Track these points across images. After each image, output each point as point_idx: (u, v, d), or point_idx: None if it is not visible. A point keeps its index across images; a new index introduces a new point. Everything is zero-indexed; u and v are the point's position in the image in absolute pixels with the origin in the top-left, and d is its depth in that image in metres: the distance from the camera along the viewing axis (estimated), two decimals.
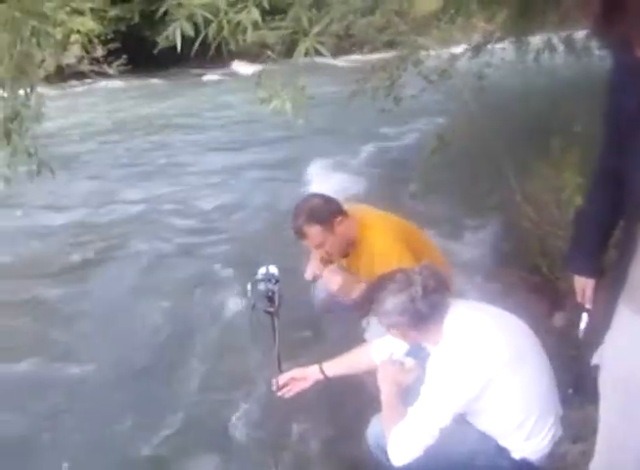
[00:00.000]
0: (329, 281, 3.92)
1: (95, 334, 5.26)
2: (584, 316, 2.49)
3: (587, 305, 2.44)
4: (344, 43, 18.36)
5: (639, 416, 2.10)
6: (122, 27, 23.01)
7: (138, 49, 19.06)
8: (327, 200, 3.90)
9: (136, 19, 21.11)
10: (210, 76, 21.68)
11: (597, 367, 2.22)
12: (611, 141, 2.06)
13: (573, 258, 2.46)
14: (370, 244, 3.79)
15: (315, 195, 4.17)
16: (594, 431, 2.31)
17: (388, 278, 2.91)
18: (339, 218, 3.79)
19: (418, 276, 2.79)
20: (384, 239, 3.76)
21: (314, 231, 3.76)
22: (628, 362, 2.05)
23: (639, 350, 2.01)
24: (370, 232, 3.83)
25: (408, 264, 3.14)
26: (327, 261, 3.99)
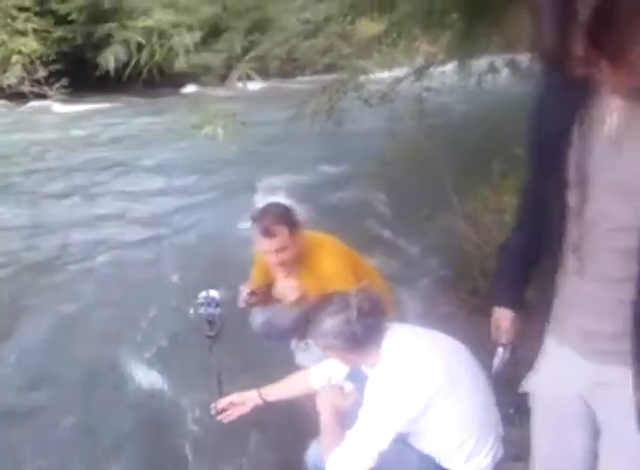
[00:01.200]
0: (286, 289, 3.89)
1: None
2: (499, 351, 2.49)
3: (503, 340, 2.44)
4: (288, 66, 18.47)
5: (568, 439, 2.16)
6: (65, 49, 22.82)
7: (80, 71, 18.90)
8: (292, 208, 3.97)
9: (79, 40, 20.99)
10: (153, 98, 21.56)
11: (525, 402, 2.27)
12: (533, 169, 2.07)
13: (497, 290, 2.46)
14: (320, 262, 3.82)
15: (280, 202, 4.21)
16: None
17: (325, 300, 2.94)
18: (299, 228, 3.84)
19: (354, 299, 2.82)
20: (334, 260, 3.82)
21: (281, 232, 3.75)
22: (555, 388, 2.11)
23: (564, 376, 2.06)
24: (321, 251, 3.88)
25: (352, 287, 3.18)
26: (282, 267, 3.93)
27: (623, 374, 1.84)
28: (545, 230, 2.06)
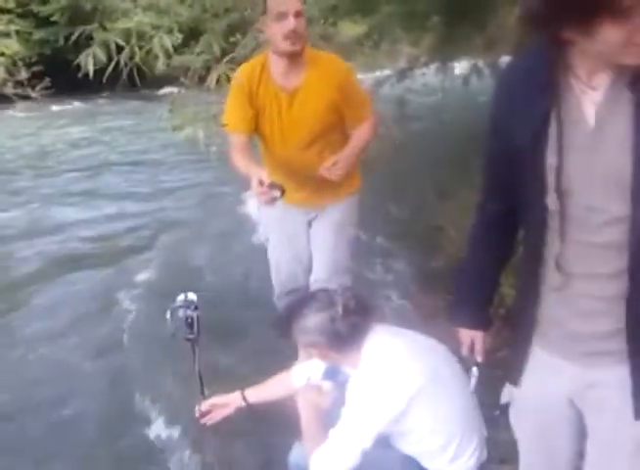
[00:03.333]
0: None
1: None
2: (475, 371, 2.49)
3: (478, 359, 2.42)
4: None
5: (554, 443, 2.16)
6: (47, 51, 22.77)
7: (62, 72, 18.84)
8: None
9: (60, 42, 20.91)
10: (133, 99, 21.48)
11: (507, 405, 2.25)
12: (496, 177, 2.05)
13: (459, 313, 2.43)
14: (330, 60, 3.85)
15: None
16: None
17: (309, 296, 2.94)
18: None
19: (340, 297, 2.81)
20: (341, 60, 3.92)
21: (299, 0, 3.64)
22: (541, 394, 2.09)
23: (550, 382, 2.05)
24: (323, 54, 3.95)
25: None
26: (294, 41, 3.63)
27: (612, 374, 1.85)
28: (504, 249, 2.07)
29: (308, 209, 4.10)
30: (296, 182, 3.95)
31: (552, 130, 1.74)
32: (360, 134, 3.85)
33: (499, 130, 1.92)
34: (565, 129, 1.72)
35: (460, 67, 8.80)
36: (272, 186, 3.30)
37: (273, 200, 3.35)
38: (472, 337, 2.39)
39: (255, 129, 3.89)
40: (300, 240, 4.14)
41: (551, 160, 1.75)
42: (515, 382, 2.14)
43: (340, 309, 2.77)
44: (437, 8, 7.18)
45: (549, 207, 1.81)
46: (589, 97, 1.70)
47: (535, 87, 1.76)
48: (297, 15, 3.56)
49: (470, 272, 2.34)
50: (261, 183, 3.29)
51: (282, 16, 3.54)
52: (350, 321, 2.77)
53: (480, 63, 8.62)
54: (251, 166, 3.55)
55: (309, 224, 4.13)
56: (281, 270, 4.21)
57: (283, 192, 3.31)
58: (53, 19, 22.56)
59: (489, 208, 2.17)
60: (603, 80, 1.68)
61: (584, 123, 1.72)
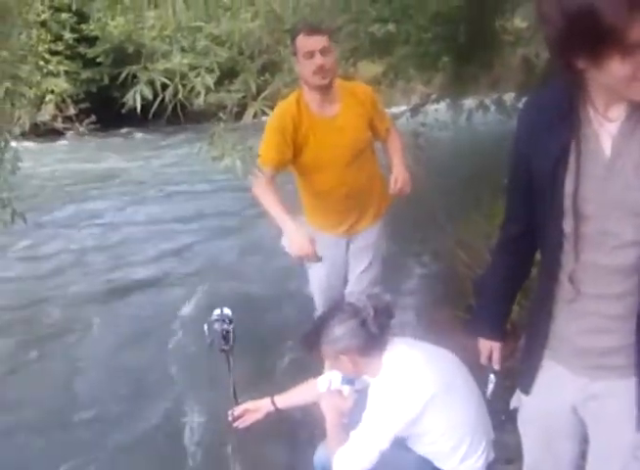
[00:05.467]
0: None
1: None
2: (492, 377, 2.46)
3: (496, 367, 2.41)
4: None
5: (558, 448, 2.16)
6: (93, 89, 23.02)
7: (107, 109, 19.03)
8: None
9: (106, 80, 21.13)
10: (172, 133, 21.69)
11: (516, 410, 2.26)
12: (518, 202, 2.05)
13: (480, 324, 2.43)
14: (354, 84, 4.12)
15: None
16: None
17: (335, 308, 2.97)
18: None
19: (367, 303, 2.85)
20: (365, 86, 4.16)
21: (324, 33, 3.68)
22: (548, 402, 2.10)
23: (557, 392, 2.06)
24: (345, 81, 4.07)
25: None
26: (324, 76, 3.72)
27: (614, 387, 1.85)
28: (523, 266, 2.07)
29: (349, 233, 4.15)
30: (337, 214, 4.05)
31: (571, 159, 1.75)
32: (396, 146, 4.08)
33: (522, 157, 1.92)
34: (582, 159, 1.73)
35: (468, 103, 8.83)
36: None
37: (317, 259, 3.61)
38: (490, 346, 2.39)
39: (297, 165, 3.93)
40: (339, 260, 4.17)
41: (569, 186, 1.76)
42: (526, 391, 2.14)
43: (371, 312, 2.81)
44: (447, 50, 7.24)
45: (565, 230, 1.82)
46: (606, 128, 1.71)
47: (557, 118, 1.77)
48: (324, 51, 3.61)
49: (489, 287, 2.35)
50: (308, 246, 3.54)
51: (310, 54, 3.60)
52: (379, 322, 2.82)
53: (487, 99, 8.65)
54: (283, 214, 3.67)
55: (347, 246, 4.17)
56: (322, 285, 4.23)
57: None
58: (98, 60, 22.87)
59: (510, 229, 2.17)
60: (619, 113, 1.69)
61: (601, 154, 1.72)
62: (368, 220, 4.09)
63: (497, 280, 2.30)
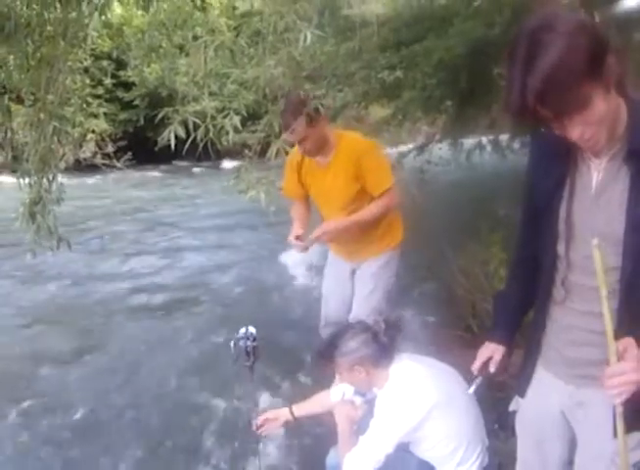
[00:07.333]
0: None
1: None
2: (479, 380, 2.42)
3: (491, 369, 2.37)
4: None
5: (547, 449, 2.20)
6: (130, 129, 23.34)
7: (142, 147, 19.24)
8: (309, 98, 3.64)
9: (141, 121, 21.39)
10: (201, 170, 21.94)
11: (514, 412, 2.31)
12: (528, 228, 2.10)
13: (496, 333, 2.42)
14: (350, 139, 3.88)
15: (299, 93, 3.68)
16: (515, 459, 2.39)
17: (348, 326, 3.04)
18: (319, 117, 3.69)
19: (377, 319, 2.94)
20: (362, 139, 3.99)
21: (299, 124, 3.60)
22: (539, 407, 2.16)
23: (548, 397, 2.11)
24: (347, 134, 3.97)
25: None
26: (307, 154, 3.88)
27: (597, 396, 1.87)
28: (536, 280, 2.12)
29: (353, 261, 4.20)
30: (338, 244, 4.19)
31: (565, 191, 1.86)
32: (366, 211, 3.88)
33: (529, 189, 2.03)
34: (574, 192, 1.84)
35: (467, 142, 8.91)
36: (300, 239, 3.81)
37: (304, 249, 3.85)
38: (492, 350, 2.36)
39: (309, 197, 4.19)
40: (345, 284, 4.24)
41: (562, 215, 1.86)
42: (521, 394, 2.21)
43: (382, 325, 2.91)
44: (450, 94, 7.30)
45: (559, 252, 1.92)
46: (595, 166, 1.81)
47: (556, 155, 1.86)
48: (292, 132, 3.54)
49: (504, 299, 2.39)
50: (297, 238, 3.81)
51: (285, 128, 3.46)
52: (390, 334, 2.91)
53: (484, 139, 8.73)
54: (295, 220, 4.04)
55: (353, 272, 4.22)
56: (329, 304, 4.30)
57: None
58: (135, 103, 23.24)
59: (521, 251, 2.24)
60: (605, 153, 1.78)
61: (590, 188, 1.82)
62: (370, 253, 4.10)
63: (510, 294, 2.35)
